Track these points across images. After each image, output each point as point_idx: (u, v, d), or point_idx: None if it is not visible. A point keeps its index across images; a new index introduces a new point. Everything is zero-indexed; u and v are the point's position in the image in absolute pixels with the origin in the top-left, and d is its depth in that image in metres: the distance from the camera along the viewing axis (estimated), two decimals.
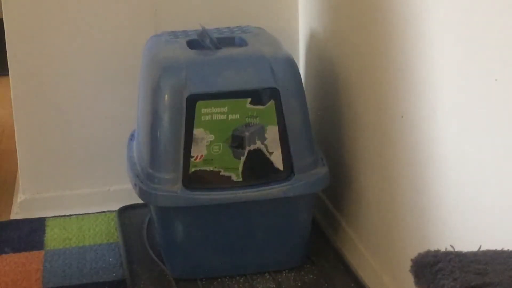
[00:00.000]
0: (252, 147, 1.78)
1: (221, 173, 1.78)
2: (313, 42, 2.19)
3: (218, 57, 1.87)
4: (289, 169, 1.81)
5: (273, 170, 1.81)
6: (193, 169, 1.77)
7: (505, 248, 1.02)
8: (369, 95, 1.80)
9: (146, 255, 1.97)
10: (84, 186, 2.27)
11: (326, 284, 1.84)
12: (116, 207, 2.21)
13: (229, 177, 1.79)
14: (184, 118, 1.76)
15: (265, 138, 1.78)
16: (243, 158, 1.78)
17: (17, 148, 2.24)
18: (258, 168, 1.80)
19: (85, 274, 1.92)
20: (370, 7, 1.77)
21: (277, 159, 1.80)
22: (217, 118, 1.76)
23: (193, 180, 1.78)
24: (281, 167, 1.81)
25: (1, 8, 2.17)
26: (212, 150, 1.77)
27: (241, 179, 1.79)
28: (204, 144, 1.77)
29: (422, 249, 1.03)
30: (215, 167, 1.78)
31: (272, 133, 1.79)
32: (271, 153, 1.80)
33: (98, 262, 1.97)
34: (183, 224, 1.84)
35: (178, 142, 1.77)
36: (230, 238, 1.85)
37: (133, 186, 1.86)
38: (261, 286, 1.84)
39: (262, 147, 1.79)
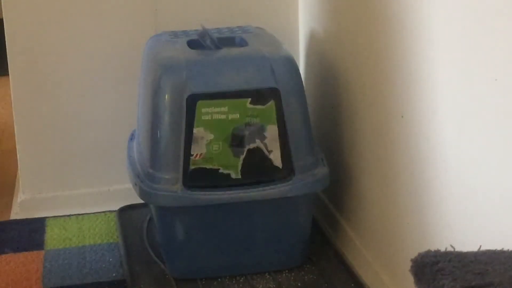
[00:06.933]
0: (252, 145, 1.78)
1: (220, 171, 1.78)
2: (313, 42, 2.19)
3: (219, 57, 1.87)
4: (289, 169, 1.81)
5: (272, 168, 1.81)
6: (192, 167, 1.77)
7: (505, 248, 1.02)
8: (369, 95, 1.80)
9: (146, 255, 1.97)
10: (84, 186, 2.27)
11: (326, 284, 1.84)
12: (116, 207, 2.21)
13: (228, 175, 1.79)
14: (184, 118, 1.76)
15: (264, 137, 1.78)
16: (242, 156, 1.78)
17: (17, 148, 2.24)
18: (257, 166, 1.80)
19: (85, 274, 1.92)
20: (370, 7, 1.77)
21: (276, 158, 1.80)
22: (217, 118, 1.76)
23: (192, 178, 1.78)
24: (280, 165, 1.81)
25: (1, 8, 2.17)
26: (212, 149, 1.77)
27: (240, 177, 1.79)
28: (204, 142, 1.77)
29: (422, 249, 1.03)
30: (214, 165, 1.78)
31: (272, 132, 1.79)
32: (270, 152, 1.80)
33: (98, 262, 1.97)
34: (183, 224, 1.84)
35: (179, 142, 1.77)
36: (230, 238, 1.85)
37: (133, 186, 1.86)
38: (261, 286, 1.84)
39: (261, 145, 1.79)
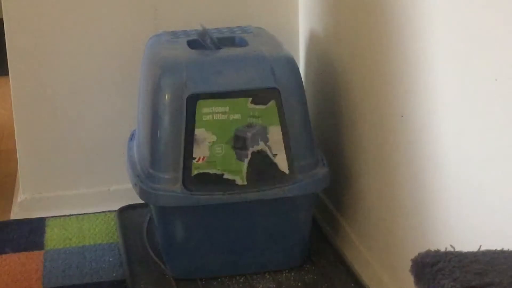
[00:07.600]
0: (255, 148, 1.78)
1: (224, 176, 1.77)
2: (313, 42, 2.19)
3: (219, 57, 1.87)
4: (291, 170, 1.81)
5: (278, 174, 1.79)
6: (195, 172, 1.77)
7: (505, 248, 1.02)
8: (369, 95, 1.80)
9: (146, 255, 1.97)
10: (84, 186, 2.27)
11: (326, 284, 1.84)
12: (116, 207, 2.21)
13: (233, 181, 1.78)
14: (184, 118, 1.76)
15: (267, 139, 1.78)
16: (246, 160, 1.78)
17: (17, 148, 2.24)
18: (262, 171, 1.78)
19: (85, 274, 1.92)
20: (370, 7, 1.77)
21: (282, 162, 1.79)
22: (218, 118, 1.76)
23: (196, 182, 1.77)
24: (286, 171, 1.79)
25: (1, 8, 2.17)
26: (215, 151, 1.76)
27: (245, 183, 1.78)
28: (206, 145, 1.76)
29: (422, 249, 1.03)
30: (218, 170, 1.77)
31: (275, 133, 1.78)
32: (275, 155, 1.79)
33: (98, 262, 1.97)
34: (183, 224, 1.84)
35: (179, 142, 1.77)
36: (230, 238, 1.85)
37: (133, 186, 1.86)
38: (261, 286, 1.84)
39: (265, 148, 1.78)
